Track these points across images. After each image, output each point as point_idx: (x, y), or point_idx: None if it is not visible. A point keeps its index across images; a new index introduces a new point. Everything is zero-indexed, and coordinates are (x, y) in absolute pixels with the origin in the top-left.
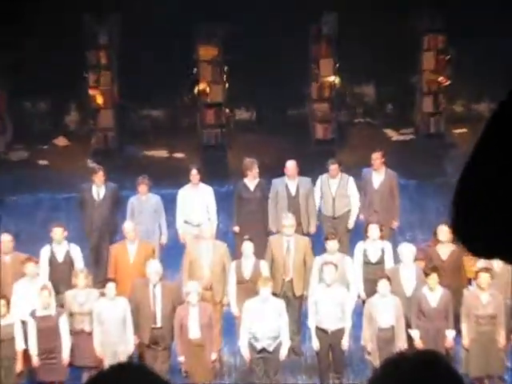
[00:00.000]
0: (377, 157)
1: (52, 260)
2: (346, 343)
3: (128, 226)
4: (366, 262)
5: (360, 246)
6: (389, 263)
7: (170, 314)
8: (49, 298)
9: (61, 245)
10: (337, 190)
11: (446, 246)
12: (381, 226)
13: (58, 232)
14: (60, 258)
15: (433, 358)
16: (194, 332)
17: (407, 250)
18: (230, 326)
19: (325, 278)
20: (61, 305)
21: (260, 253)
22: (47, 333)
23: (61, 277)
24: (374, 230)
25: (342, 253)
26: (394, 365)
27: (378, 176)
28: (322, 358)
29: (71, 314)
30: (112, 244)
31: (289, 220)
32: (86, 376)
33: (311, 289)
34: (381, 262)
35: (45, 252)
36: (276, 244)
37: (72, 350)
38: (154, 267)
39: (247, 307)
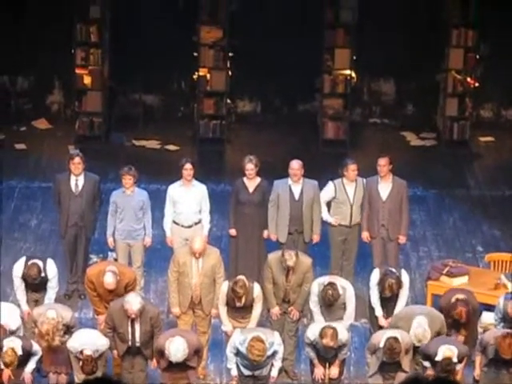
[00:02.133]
0: (384, 163)
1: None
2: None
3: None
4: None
5: (376, 275)
6: (403, 297)
7: (150, 338)
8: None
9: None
10: (354, 196)
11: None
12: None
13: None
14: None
15: None
16: (178, 358)
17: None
18: (218, 340)
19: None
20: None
21: (256, 263)
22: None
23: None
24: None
25: (346, 276)
26: None
27: (386, 186)
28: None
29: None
30: (89, 265)
31: (292, 260)
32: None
33: (312, 316)
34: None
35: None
36: (276, 266)
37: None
38: (134, 306)
39: (238, 336)
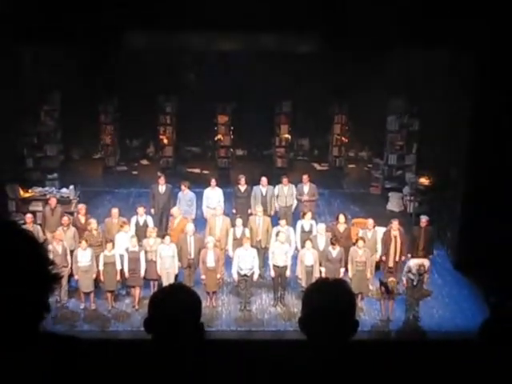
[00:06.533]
0: (305, 177)
1: (137, 224)
2: (288, 273)
3: (175, 210)
4: (302, 231)
5: (299, 223)
6: (314, 232)
7: (198, 252)
8: (135, 242)
9: (142, 216)
10: (287, 192)
11: (342, 225)
12: (312, 213)
13: (141, 210)
14: (141, 223)
15: (343, 282)
16: (210, 263)
17: (321, 227)
18: (228, 262)
19: (280, 239)
20: (140, 246)
21: (245, 224)
22: (133, 260)
23: (141, 233)
24: (309, 215)
25: (288, 225)
26: (322, 283)
27: (306, 187)
28: (275, 280)
29: (146, 252)
30: (169, 217)
31: (260, 209)
32: (152, 284)
33: (271, 245)
34: (310, 231)
35: (133, 220)
36: (253, 221)
37: (145, 270)
38: (190, 227)
39: (237, 253)
